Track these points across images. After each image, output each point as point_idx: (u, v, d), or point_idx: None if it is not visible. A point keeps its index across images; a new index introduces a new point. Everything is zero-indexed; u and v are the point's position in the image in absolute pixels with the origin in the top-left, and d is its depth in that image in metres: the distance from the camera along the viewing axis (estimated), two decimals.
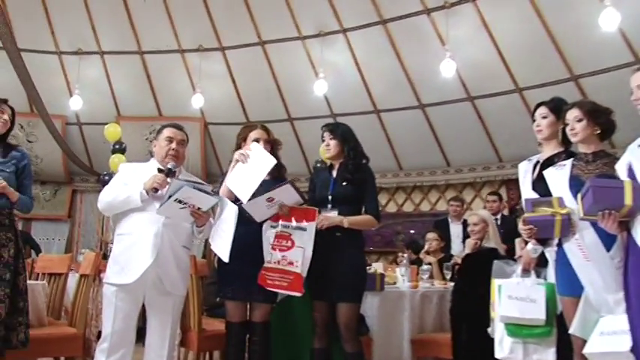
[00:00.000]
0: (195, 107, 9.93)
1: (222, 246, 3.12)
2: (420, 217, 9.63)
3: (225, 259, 3.08)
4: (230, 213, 3.14)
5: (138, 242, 3.14)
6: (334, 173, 3.53)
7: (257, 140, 3.44)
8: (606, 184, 2.50)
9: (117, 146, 8.94)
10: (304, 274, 3.24)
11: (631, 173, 2.53)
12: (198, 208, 3.10)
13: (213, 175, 10.62)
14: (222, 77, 9.99)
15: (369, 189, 3.48)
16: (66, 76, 10.30)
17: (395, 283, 4.48)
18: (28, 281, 3.46)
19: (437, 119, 9.02)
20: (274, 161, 3.27)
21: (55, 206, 11.35)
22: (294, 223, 3.31)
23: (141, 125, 10.65)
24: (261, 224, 3.35)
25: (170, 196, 3.01)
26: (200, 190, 3.06)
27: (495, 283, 3.01)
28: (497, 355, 2.97)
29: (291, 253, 3.27)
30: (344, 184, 3.42)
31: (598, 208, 2.47)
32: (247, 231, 3.30)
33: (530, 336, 2.85)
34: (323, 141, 3.55)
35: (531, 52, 7.80)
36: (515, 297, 2.89)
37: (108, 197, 3.25)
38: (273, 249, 3.32)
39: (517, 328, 2.86)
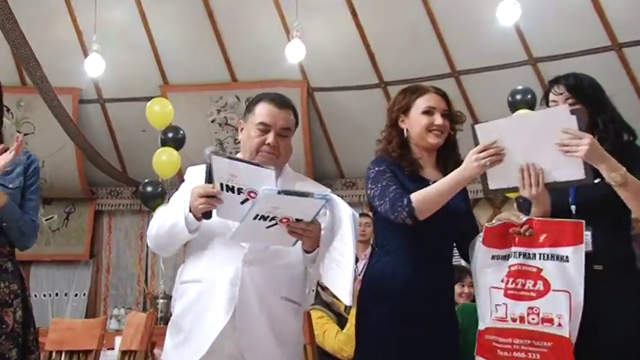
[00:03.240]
0: (292, 63, 9.96)
1: (340, 279, 3.05)
2: None
3: (347, 300, 3.04)
4: (345, 216, 3.05)
5: (207, 294, 3.20)
6: None
7: (429, 111, 3.40)
8: None
9: (168, 135, 9.03)
10: (574, 339, 3.07)
11: None
12: (297, 220, 3.02)
13: (322, 173, 11.02)
14: (336, 11, 10.04)
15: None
16: (76, 23, 10.51)
17: None
18: None
19: None
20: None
21: (68, 239, 11.63)
22: (544, 249, 3.15)
23: (203, 98, 10.82)
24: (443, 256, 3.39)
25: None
26: (292, 194, 2.98)
27: None
28: None
29: (545, 303, 3.12)
30: (596, 181, 3.24)
31: None
32: (429, 268, 3.31)
33: None
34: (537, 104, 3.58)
35: None
36: None
37: (153, 227, 3.33)
38: (506, 295, 3.18)
39: None
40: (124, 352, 4.07)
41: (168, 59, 10.76)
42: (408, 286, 3.28)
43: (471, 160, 3.09)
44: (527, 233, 3.16)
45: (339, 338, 5.02)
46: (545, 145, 3.14)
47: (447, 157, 3.47)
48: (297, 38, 9.49)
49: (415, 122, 3.40)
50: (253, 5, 10.27)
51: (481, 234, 3.34)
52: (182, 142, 9.03)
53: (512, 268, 3.20)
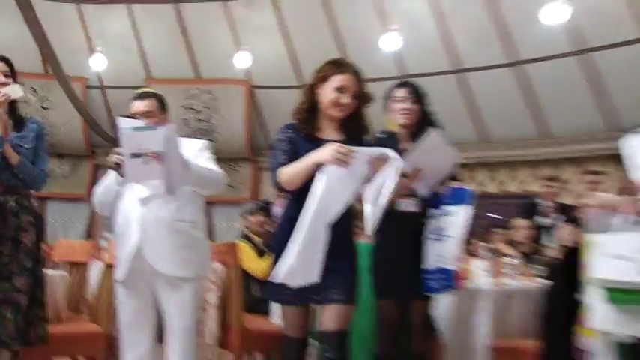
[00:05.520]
0: (240, 67, 10.12)
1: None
2: (506, 199, 9.51)
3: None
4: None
5: (125, 232, 3.33)
6: (404, 145, 3.46)
7: (341, 89, 2.91)
8: None
9: None
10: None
11: None
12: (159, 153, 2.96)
13: (258, 148, 11.02)
14: (272, 31, 10.11)
15: None
16: (86, 31, 10.56)
17: (471, 278, 4.46)
18: (47, 271, 3.68)
19: (535, 80, 8.85)
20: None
21: (74, 184, 11.65)
22: None
23: (176, 89, 10.78)
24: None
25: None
26: (142, 129, 2.97)
27: (590, 238, 2.95)
28: (595, 324, 2.94)
29: None
30: None
31: None
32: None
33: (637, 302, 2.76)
34: (389, 103, 3.57)
35: None
36: (618, 254, 2.77)
37: (96, 194, 3.50)
38: None
39: (620, 293, 2.78)
40: (107, 265, 3.96)
41: (152, 59, 10.80)
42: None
43: (328, 149, 2.73)
44: None
45: (258, 262, 4.97)
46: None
47: (351, 121, 2.97)
48: (244, 50, 9.76)
49: (326, 94, 2.91)
50: (215, 23, 10.22)
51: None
52: None
53: None
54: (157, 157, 2.89)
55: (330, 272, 2.79)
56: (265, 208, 5.57)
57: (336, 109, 2.92)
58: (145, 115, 3.34)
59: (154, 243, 3.27)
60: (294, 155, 2.89)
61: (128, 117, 3.24)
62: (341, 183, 2.73)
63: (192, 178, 3.12)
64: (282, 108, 9.93)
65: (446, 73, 9.27)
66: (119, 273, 3.35)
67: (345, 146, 2.71)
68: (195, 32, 10.56)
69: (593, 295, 2.93)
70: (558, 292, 3.68)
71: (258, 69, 10.36)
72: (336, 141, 2.84)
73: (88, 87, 11.10)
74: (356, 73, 2.96)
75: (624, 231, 2.92)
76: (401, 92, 3.55)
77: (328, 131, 2.98)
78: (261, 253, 5.13)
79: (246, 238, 5.29)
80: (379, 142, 3.23)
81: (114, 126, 11.01)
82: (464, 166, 9.33)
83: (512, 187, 9.69)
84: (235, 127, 10.88)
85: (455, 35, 9.09)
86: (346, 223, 2.90)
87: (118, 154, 3.04)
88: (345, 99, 2.90)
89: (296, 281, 2.75)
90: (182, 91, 10.88)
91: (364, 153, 2.75)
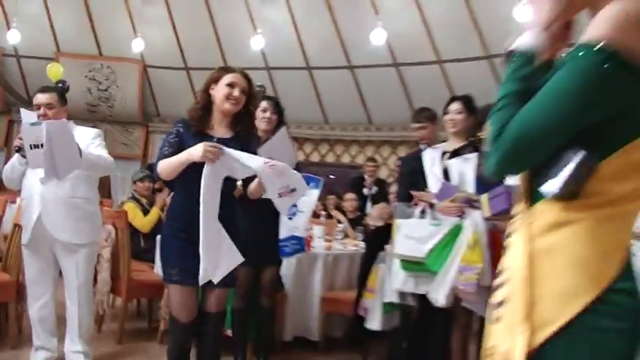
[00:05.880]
0: (136, 50, 9.66)
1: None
2: (340, 167, 9.85)
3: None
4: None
5: (29, 205, 3.23)
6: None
7: (232, 85, 2.68)
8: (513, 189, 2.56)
9: (59, 85, 8.50)
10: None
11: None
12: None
13: (149, 114, 10.67)
14: (163, 22, 9.78)
15: None
16: (3, 9, 9.80)
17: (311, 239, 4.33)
18: None
19: (364, 80, 9.13)
20: None
21: None
22: None
23: (81, 63, 10.31)
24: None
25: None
26: (34, 124, 2.78)
27: (396, 222, 3.12)
28: (394, 285, 3.16)
29: None
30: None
31: (505, 211, 2.47)
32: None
33: (419, 271, 2.99)
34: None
35: (454, 27, 7.96)
36: (409, 236, 2.98)
37: (6, 171, 3.27)
38: None
39: (408, 264, 3.00)
40: (15, 225, 3.61)
41: (62, 36, 10.14)
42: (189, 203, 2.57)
43: (199, 146, 2.50)
44: None
45: (144, 219, 4.93)
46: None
47: (240, 119, 2.73)
48: (139, 37, 9.30)
49: (219, 90, 2.67)
50: (116, 12, 9.71)
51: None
52: (67, 90, 8.37)
53: None
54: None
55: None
56: (151, 176, 5.24)
57: (229, 102, 2.67)
58: (46, 106, 3.18)
59: (52, 216, 3.17)
60: (179, 149, 2.62)
61: (32, 109, 3.10)
62: (214, 178, 2.54)
63: (84, 164, 2.97)
64: (170, 84, 10.26)
65: (299, 69, 9.31)
66: (24, 238, 3.27)
67: (215, 144, 2.52)
68: (99, 18, 10.02)
69: (395, 264, 3.15)
70: (368, 257, 3.86)
71: (150, 52, 9.98)
72: (219, 139, 2.64)
73: (5, 55, 10.27)
74: (244, 74, 2.75)
75: (416, 218, 3.09)
76: (264, 104, 3.46)
77: (218, 128, 2.73)
78: (146, 212, 5.09)
79: (135, 199, 5.22)
80: None
81: (27, 89, 10.32)
82: (311, 140, 9.68)
83: (346, 159, 10.01)
84: (130, 97, 10.44)
85: (305, 41, 9.19)
86: (229, 210, 2.66)
87: (21, 141, 2.87)
88: (236, 92, 2.67)
89: (220, 273, 2.54)
90: (87, 64, 10.29)
91: (232, 154, 2.53)
